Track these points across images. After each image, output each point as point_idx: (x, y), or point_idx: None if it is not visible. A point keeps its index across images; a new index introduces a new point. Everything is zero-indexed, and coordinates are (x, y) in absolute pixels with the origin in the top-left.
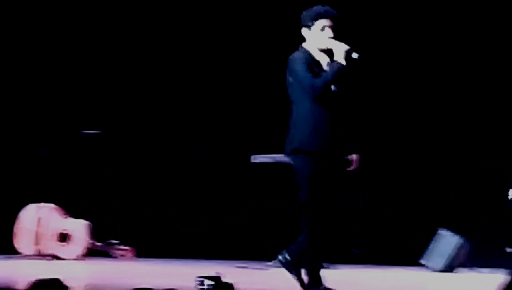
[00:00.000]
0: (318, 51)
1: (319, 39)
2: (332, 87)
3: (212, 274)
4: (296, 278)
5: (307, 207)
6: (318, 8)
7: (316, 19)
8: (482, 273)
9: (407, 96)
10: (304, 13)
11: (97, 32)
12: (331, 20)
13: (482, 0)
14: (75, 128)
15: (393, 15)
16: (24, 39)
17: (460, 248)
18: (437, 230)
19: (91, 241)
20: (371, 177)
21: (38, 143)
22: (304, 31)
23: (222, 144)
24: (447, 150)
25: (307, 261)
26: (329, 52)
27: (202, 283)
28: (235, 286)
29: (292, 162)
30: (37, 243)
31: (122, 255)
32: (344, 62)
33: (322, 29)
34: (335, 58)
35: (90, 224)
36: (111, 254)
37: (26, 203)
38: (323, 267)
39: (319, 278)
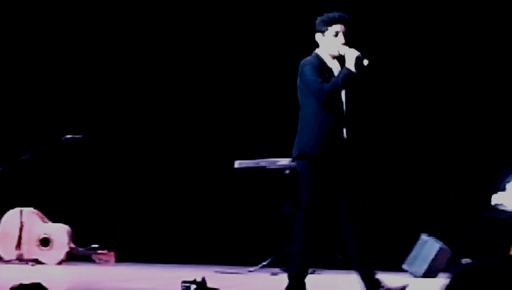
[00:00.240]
0: (331, 58)
1: (332, 44)
2: (342, 93)
3: (198, 278)
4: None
5: (305, 211)
6: (332, 14)
7: (330, 25)
8: None
9: (407, 96)
10: (318, 18)
11: (97, 32)
12: (345, 25)
13: (482, 0)
14: (75, 128)
15: (393, 15)
16: (24, 39)
17: (441, 253)
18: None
19: (72, 246)
20: (371, 177)
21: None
22: (318, 36)
23: (222, 144)
24: (447, 150)
25: (293, 265)
26: (340, 60)
27: (187, 288)
28: None
29: (296, 167)
30: (18, 247)
31: (103, 260)
32: (353, 69)
33: (336, 34)
34: (346, 65)
35: (70, 229)
36: (92, 258)
37: (8, 208)
38: (307, 274)
39: (303, 285)
